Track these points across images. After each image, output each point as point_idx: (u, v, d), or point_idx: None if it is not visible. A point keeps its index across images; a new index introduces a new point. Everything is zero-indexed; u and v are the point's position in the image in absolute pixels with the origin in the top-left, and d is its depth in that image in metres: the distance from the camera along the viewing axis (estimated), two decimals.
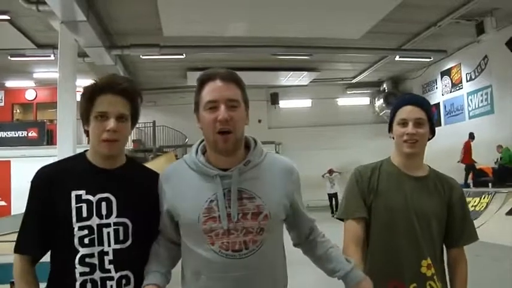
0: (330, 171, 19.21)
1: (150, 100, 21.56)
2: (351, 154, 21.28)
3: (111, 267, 1.96)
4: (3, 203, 18.49)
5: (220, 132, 1.92)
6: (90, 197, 1.98)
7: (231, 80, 1.98)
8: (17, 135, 19.42)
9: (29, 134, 19.43)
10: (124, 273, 1.98)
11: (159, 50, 14.56)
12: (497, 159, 14.95)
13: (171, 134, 21.36)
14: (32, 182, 2.03)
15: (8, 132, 19.47)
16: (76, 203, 1.96)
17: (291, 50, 15.83)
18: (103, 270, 1.95)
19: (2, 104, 21.93)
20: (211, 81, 1.98)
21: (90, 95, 2.01)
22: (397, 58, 17.16)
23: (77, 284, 1.91)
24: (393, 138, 2.44)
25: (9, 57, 15.74)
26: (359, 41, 14.87)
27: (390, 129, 2.46)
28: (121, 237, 1.99)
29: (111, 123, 1.98)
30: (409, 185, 2.36)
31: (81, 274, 1.92)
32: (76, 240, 1.93)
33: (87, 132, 2.07)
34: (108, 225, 1.97)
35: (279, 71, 19.06)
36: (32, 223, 2.00)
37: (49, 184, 2.00)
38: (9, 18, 12.69)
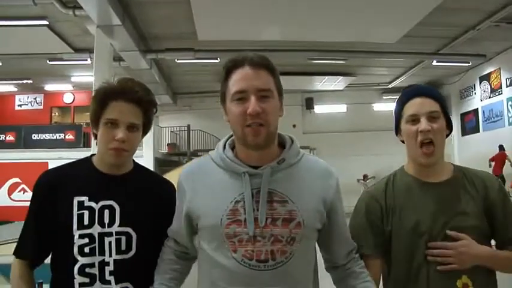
0: (365, 177, 18.99)
1: (185, 104, 21.72)
2: (386, 160, 20.88)
3: (112, 278, 1.86)
4: None
5: (250, 126, 1.68)
6: (92, 204, 1.89)
7: (262, 66, 1.73)
8: (54, 137, 19.81)
9: (66, 137, 19.79)
10: (124, 285, 1.88)
11: (194, 54, 14.59)
12: None
13: (205, 138, 21.43)
14: (35, 185, 1.97)
15: (46, 135, 19.88)
16: (78, 210, 1.88)
17: (326, 54, 15.64)
18: (103, 281, 1.84)
19: (41, 107, 22.47)
20: (240, 68, 1.73)
21: (102, 98, 1.92)
22: (434, 63, 16.78)
23: None
24: (403, 142, 2.06)
25: (47, 62, 16.03)
26: (395, 45, 14.60)
27: (398, 131, 2.08)
28: (123, 247, 1.89)
29: (120, 133, 1.90)
30: (433, 194, 1.95)
31: (81, 285, 1.83)
32: (76, 249, 1.84)
33: (95, 136, 2.00)
34: (110, 234, 1.88)
35: (314, 76, 18.88)
36: (32, 227, 1.94)
37: (52, 188, 1.93)
38: (47, 23, 12.88)
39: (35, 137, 20.17)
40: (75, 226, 1.85)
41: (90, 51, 13.93)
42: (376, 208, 2.02)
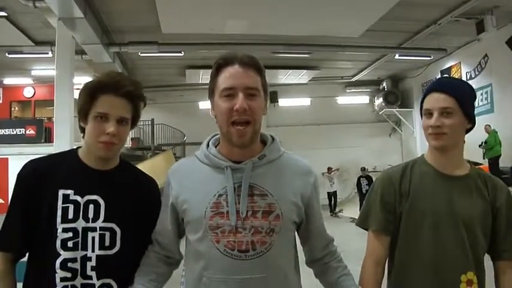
0: (329, 170, 19.22)
1: (149, 98, 21.31)
2: (351, 153, 21.37)
3: (93, 273, 1.85)
4: (0, 201, 18.50)
5: (237, 122, 1.77)
6: (78, 198, 1.89)
7: (251, 66, 1.81)
8: (14, 132, 19.37)
9: (27, 132, 19.39)
10: (107, 281, 1.88)
11: (158, 48, 14.51)
12: (482, 143, 14.12)
13: (169, 132, 21.30)
14: (19, 174, 1.94)
15: (6, 130, 19.42)
16: (63, 203, 1.86)
17: (291, 48, 15.78)
18: (84, 276, 1.84)
19: (0, 101, 21.92)
20: (229, 66, 1.80)
21: (92, 92, 1.91)
22: (396, 57, 17.14)
23: None
24: None
25: (7, 55, 15.64)
26: (358, 40, 14.83)
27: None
28: (107, 243, 1.89)
29: (111, 127, 1.90)
30: (447, 185, 2.04)
31: (62, 279, 1.82)
32: (58, 243, 1.83)
33: (82, 129, 1.98)
34: (94, 229, 1.88)
35: (278, 69, 18.99)
36: (18, 217, 1.89)
37: (37, 179, 1.90)
38: (6, 15, 12.61)
39: None
40: (59, 219, 1.84)
41: (51, 44, 13.73)
42: (391, 188, 2.11)
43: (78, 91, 1.98)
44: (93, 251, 1.86)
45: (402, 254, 2.07)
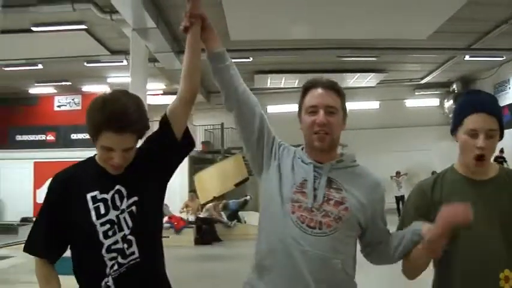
0: (397, 174, 18.84)
1: (219, 102, 21.77)
2: (419, 156, 20.81)
3: (135, 246, 2.07)
4: None
5: (317, 133, 2.11)
6: (104, 196, 2.07)
7: (331, 89, 2.17)
8: None
9: None
10: (145, 247, 2.10)
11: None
12: None
13: (239, 135, 21.51)
14: (49, 186, 2.12)
15: (85, 134, 20.28)
16: (93, 204, 2.05)
17: (357, 51, 15.59)
18: (130, 252, 2.07)
19: (79, 107, 22.89)
20: (314, 89, 2.18)
21: (95, 126, 1.97)
22: (466, 58, 16.49)
23: (107, 268, 2.03)
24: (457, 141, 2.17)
25: (85, 64, 16.40)
26: (426, 41, 14.44)
27: (454, 133, 2.17)
28: (135, 213, 2.08)
29: (116, 159, 2.03)
30: (479, 188, 2.08)
31: (110, 259, 2.04)
32: (100, 235, 2.03)
33: (93, 142, 2.07)
34: (123, 211, 2.07)
35: (345, 73, 18.83)
36: (41, 227, 2.09)
37: (64, 188, 2.08)
38: (85, 27, 13.24)
39: (73, 136, 20.69)
40: (94, 218, 2.03)
41: (126, 53, 14.27)
42: (423, 197, 2.20)
43: (88, 110, 2.04)
44: (128, 228, 2.06)
45: (443, 255, 2.07)
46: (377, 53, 15.89)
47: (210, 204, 15.83)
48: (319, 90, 2.17)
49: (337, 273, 2.03)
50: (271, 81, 19.40)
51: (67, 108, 23.16)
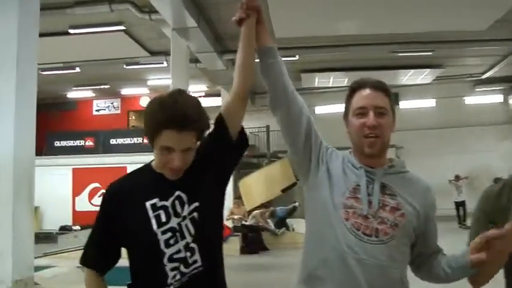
0: (457, 177, 18.42)
1: (264, 104, 21.79)
2: (481, 158, 20.25)
3: (198, 255, 2.09)
4: None
5: (367, 136, 2.11)
6: (164, 203, 2.09)
7: (380, 89, 2.17)
8: (132, 141, 20.59)
9: (144, 141, 20.46)
10: (208, 253, 2.12)
11: None
12: None
13: (284, 139, 21.51)
14: (103, 196, 2.18)
15: (125, 139, 20.69)
16: (153, 212, 2.08)
17: (411, 46, 15.31)
18: (192, 260, 2.09)
19: (118, 111, 23.43)
20: (362, 89, 2.18)
21: (155, 126, 2.02)
22: None
23: (169, 278, 2.06)
24: None
25: (124, 66, 16.81)
26: (486, 33, 14.05)
27: None
28: (197, 219, 2.10)
29: (175, 160, 2.04)
30: None
31: (172, 269, 2.06)
32: (162, 244, 2.05)
33: (151, 147, 2.13)
34: (184, 218, 2.09)
35: (399, 70, 18.58)
36: (98, 237, 2.16)
37: (120, 198, 2.14)
38: (124, 28, 13.55)
39: (113, 141, 21.10)
40: (155, 226, 2.06)
41: (166, 54, 14.54)
42: (489, 206, 2.24)
43: (145, 114, 2.10)
44: (190, 235, 2.09)
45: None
46: (433, 47, 15.56)
47: (257, 211, 15.87)
48: (368, 91, 2.16)
49: (395, 283, 2.05)
50: (319, 80, 19.36)
51: (106, 112, 23.73)
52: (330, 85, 19.93)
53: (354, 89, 2.21)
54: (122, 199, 2.13)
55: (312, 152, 2.23)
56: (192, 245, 2.08)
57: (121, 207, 2.11)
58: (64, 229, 18.84)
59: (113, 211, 2.12)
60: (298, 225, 15.96)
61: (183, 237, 2.07)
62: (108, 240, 2.13)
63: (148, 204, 2.08)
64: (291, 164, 18.19)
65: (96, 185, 19.97)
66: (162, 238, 2.05)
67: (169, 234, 2.06)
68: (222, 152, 2.22)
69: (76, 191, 20.26)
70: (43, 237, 17.04)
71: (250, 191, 16.60)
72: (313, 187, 2.21)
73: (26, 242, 5.88)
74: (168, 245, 2.06)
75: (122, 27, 13.44)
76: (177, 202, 2.10)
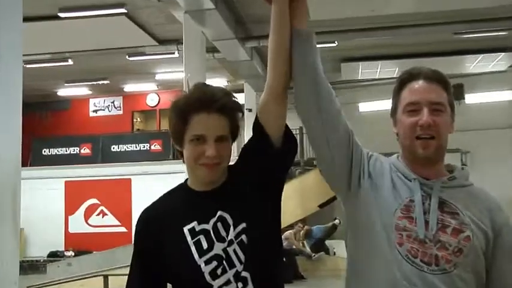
0: None
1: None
2: None
3: (250, 282, 2.10)
4: (123, 229, 19.78)
5: (420, 138, 2.09)
6: (204, 226, 2.15)
7: (436, 80, 2.14)
8: (138, 148, 20.70)
9: (152, 147, 20.57)
10: (259, 278, 2.13)
11: None
12: None
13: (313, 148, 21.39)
14: (136, 228, 2.27)
15: (128, 145, 20.82)
16: (192, 238, 2.13)
17: (481, 25, 14.99)
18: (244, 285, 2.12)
19: (121, 112, 23.52)
20: (414, 81, 2.15)
21: (182, 113, 2.13)
22: None
23: None
24: None
25: (127, 57, 16.96)
26: None
27: None
28: (246, 243, 2.13)
29: (209, 149, 2.10)
30: None
31: None
32: (207, 277, 2.08)
33: (180, 154, 2.23)
34: (231, 242, 2.12)
35: (463, 55, 18.36)
36: (139, 279, 2.24)
37: (153, 227, 2.22)
38: (126, 11, 13.62)
39: (114, 148, 21.38)
40: (196, 256, 2.11)
41: (177, 42, 14.70)
42: None
43: (170, 108, 2.21)
44: (240, 262, 2.12)
45: None
46: (508, 25, 15.31)
47: (289, 231, 15.90)
48: (421, 83, 2.13)
49: None
50: (363, 71, 19.29)
51: (105, 113, 23.85)
52: (377, 76, 19.83)
53: (403, 80, 2.19)
54: (157, 228, 2.20)
55: (352, 163, 2.21)
56: (244, 273, 2.10)
57: (157, 239, 2.17)
58: (54, 255, 19.02)
59: (147, 244, 2.21)
60: (340, 248, 15.88)
61: (231, 265, 2.09)
62: (148, 280, 2.21)
63: (186, 229, 2.14)
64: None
65: (94, 201, 20.19)
66: (206, 269, 2.09)
67: (214, 264, 2.09)
68: (265, 161, 2.22)
69: (69, 209, 20.47)
70: (28, 267, 17.17)
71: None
72: (356, 205, 2.20)
73: (10, 272, 5.89)
74: (215, 275, 2.08)
75: (123, 10, 13.53)
76: (219, 225, 2.14)
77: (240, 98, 20.23)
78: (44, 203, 19.85)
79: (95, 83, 21.09)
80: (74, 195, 20.23)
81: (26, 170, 20.20)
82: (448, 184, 2.12)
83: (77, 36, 15.06)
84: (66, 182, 20.63)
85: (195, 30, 12.68)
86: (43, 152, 21.96)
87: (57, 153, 22.11)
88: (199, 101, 2.11)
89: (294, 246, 15.57)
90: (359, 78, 19.81)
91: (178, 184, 2.33)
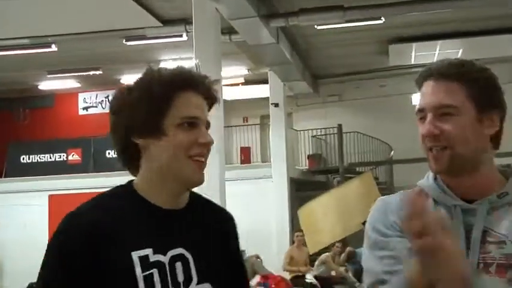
0: None
1: (332, 93, 21.69)
2: None
3: None
4: None
5: (431, 149, 2.07)
6: (160, 258, 2.00)
7: (450, 77, 2.08)
8: None
9: None
10: None
11: (343, 15, 14.59)
12: None
13: (367, 144, 21.64)
14: (60, 242, 2.01)
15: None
16: (143, 270, 1.94)
17: None
18: None
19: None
20: (425, 82, 2.13)
21: (168, 88, 2.05)
22: None
23: None
24: None
25: (124, 42, 16.99)
26: None
27: None
28: None
29: (205, 135, 2.08)
30: None
31: None
32: None
33: (135, 152, 2.11)
34: None
35: None
36: None
37: (92, 245, 1.94)
38: None
39: (109, 154, 21.41)
40: None
41: (186, 22, 14.79)
42: None
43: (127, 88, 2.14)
44: None
45: None
46: None
47: (326, 254, 15.87)
48: (431, 83, 2.11)
49: None
50: (417, 54, 19.15)
51: (98, 110, 23.92)
52: (435, 61, 19.49)
53: (417, 81, 2.19)
54: (93, 246, 1.94)
55: None
56: None
57: (92, 262, 1.93)
58: None
59: (82, 268, 1.93)
60: None
61: None
62: None
63: (135, 256, 1.95)
64: (378, 183, 18.10)
65: None
66: None
67: None
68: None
69: (54, 228, 20.52)
70: None
71: (315, 224, 16.59)
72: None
73: None
74: None
75: None
76: (178, 264, 2.03)
77: (263, 90, 20.33)
78: (23, 223, 19.94)
79: (84, 73, 21.13)
80: (61, 212, 19.97)
81: (0, 182, 20.42)
82: (497, 203, 2.05)
83: (62, 16, 15.10)
84: (50, 196, 20.71)
85: (207, 7, 12.72)
86: (21, 160, 22.10)
87: (39, 160, 22.24)
88: (183, 78, 2.08)
89: (334, 273, 15.53)
90: (412, 63, 19.65)
91: (116, 186, 2.17)
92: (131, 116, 2.03)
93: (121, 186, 2.15)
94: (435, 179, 2.17)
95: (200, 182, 2.09)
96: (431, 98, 2.08)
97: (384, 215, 2.17)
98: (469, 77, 2.08)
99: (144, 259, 1.94)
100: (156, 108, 2.02)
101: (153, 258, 1.96)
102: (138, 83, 2.09)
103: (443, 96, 2.06)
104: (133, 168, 2.16)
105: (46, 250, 2.02)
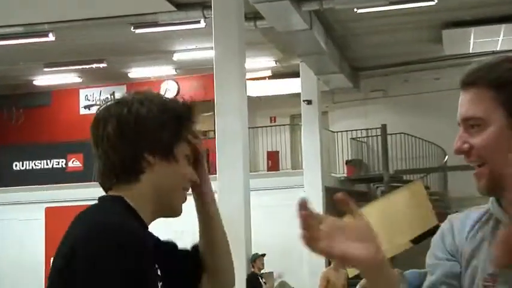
0: None
1: (375, 88, 21.64)
2: None
3: None
4: None
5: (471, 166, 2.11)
6: (158, 271, 2.26)
7: (473, 83, 2.11)
8: None
9: None
10: None
11: None
12: None
13: (415, 147, 21.55)
14: (138, 238, 2.10)
15: None
16: (160, 282, 2.24)
17: None
18: None
19: None
20: (460, 90, 2.18)
21: (182, 120, 2.29)
22: None
23: None
24: None
25: (132, 29, 17.02)
26: None
27: None
28: None
29: (194, 173, 2.34)
30: None
31: None
32: None
33: (140, 168, 2.23)
34: None
35: None
36: None
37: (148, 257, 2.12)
38: None
39: None
40: None
41: (203, 6, 14.84)
42: None
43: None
44: None
45: None
46: None
47: None
48: (461, 92, 2.17)
49: None
50: (476, 41, 19.06)
51: None
52: (498, 48, 19.48)
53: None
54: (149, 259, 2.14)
55: None
56: None
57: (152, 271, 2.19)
58: None
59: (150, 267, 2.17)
60: None
61: None
62: None
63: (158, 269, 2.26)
64: (430, 194, 18.04)
65: None
66: None
67: None
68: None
69: (52, 247, 20.50)
70: None
71: None
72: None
73: None
74: None
75: None
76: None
77: (294, 84, 20.36)
78: (17, 239, 20.03)
79: (86, 66, 21.26)
80: (58, 226, 20.26)
81: None
82: None
83: (60, 0, 15.19)
84: (47, 208, 20.87)
85: None
86: (14, 167, 22.22)
87: (34, 167, 22.40)
88: (193, 112, 2.32)
89: None
90: (470, 52, 19.58)
91: (118, 207, 2.22)
92: (154, 131, 2.20)
93: (119, 203, 2.22)
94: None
95: (179, 215, 2.34)
96: (460, 109, 2.15)
97: (441, 238, 2.23)
98: (496, 81, 2.06)
99: (157, 274, 2.21)
100: (179, 133, 2.23)
101: (158, 272, 2.24)
102: (164, 102, 2.29)
103: (468, 107, 2.11)
104: (127, 181, 2.25)
105: (114, 253, 2.00)
